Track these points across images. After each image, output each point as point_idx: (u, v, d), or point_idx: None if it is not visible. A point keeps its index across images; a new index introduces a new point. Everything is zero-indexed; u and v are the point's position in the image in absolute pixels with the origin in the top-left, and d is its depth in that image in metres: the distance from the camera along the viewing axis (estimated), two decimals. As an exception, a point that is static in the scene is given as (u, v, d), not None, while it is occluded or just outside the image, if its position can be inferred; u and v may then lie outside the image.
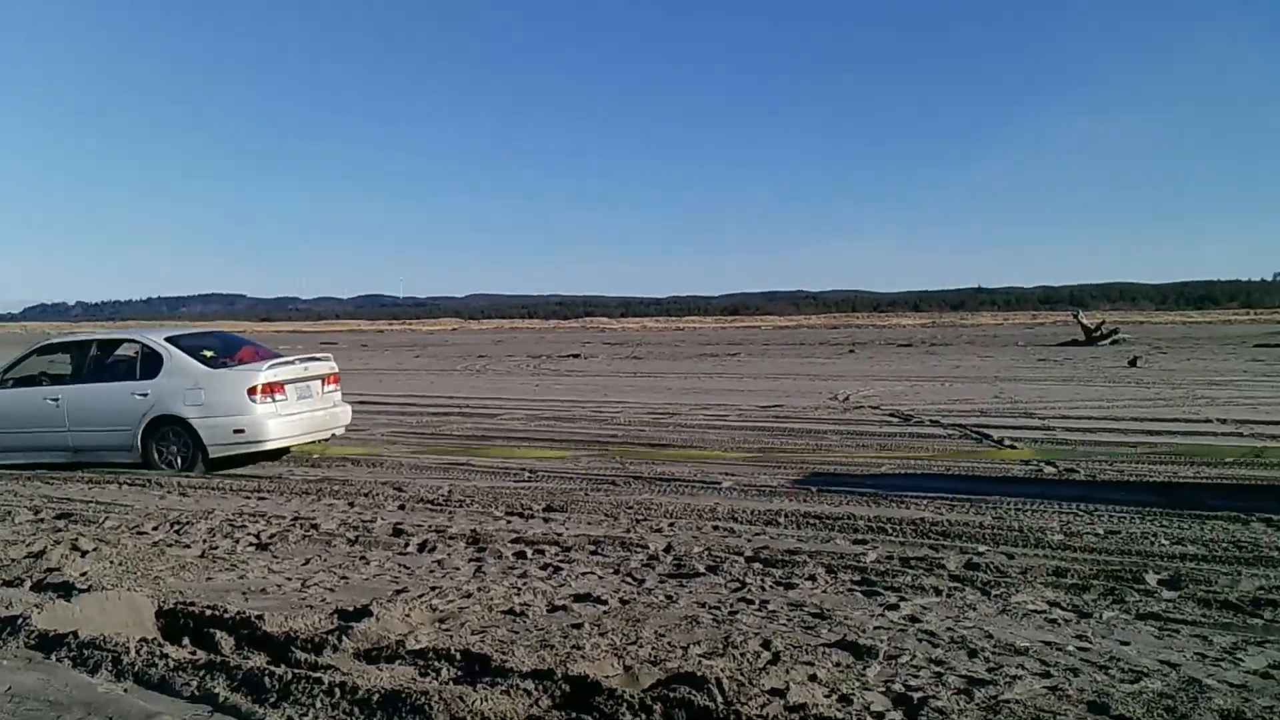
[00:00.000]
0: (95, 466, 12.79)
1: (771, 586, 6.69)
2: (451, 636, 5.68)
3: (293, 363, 12.88)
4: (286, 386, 12.55)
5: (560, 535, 8.36)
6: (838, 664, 5.12)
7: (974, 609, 6.09)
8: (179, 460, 12.37)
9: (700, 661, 5.13)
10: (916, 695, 4.64)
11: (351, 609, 6.13)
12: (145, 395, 12.38)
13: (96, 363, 13.16)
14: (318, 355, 13.60)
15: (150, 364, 12.59)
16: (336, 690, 4.70)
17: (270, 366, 12.49)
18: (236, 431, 12.18)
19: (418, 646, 5.40)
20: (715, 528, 8.55)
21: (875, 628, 5.76)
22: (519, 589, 6.77)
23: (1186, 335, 54.08)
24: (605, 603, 6.36)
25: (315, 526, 8.98)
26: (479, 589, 6.76)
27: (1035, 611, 6.01)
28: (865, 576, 6.85)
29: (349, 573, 7.40)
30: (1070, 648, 5.34)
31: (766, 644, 5.40)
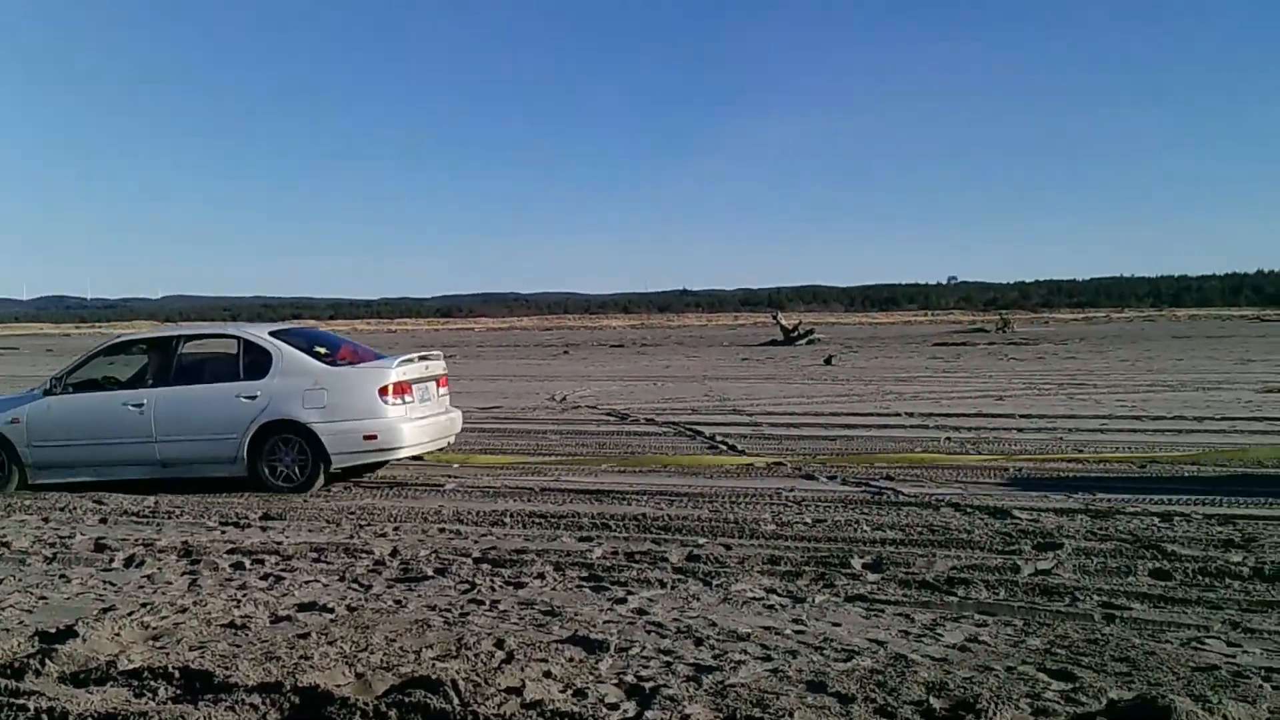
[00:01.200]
0: (181, 485, 11.05)
1: (501, 586, 6.71)
2: (168, 654, 5.39)
3: (414, 360, 11.29)
4: (413, 387, 11.04)
5: (280, 544, 8.09)
6: (571, 659, 5.19)
7: (697, 599, 6.32)
8: (294, 472, 10.64)
9: (434, 664, 5.09)
10: (648, 685, 4.78)
11: (54, 630, 5.73)
12: (254, 398, 10.68)
13: (187, 362, 11.38)
14: (431, 354, 11.89)
15: (256, 362, 10.90)
16: (44, 716, 4.40)
17: (399, 364, 10.93)
18: (367, 438, 10.56)
19: (131, 666, 5.11)
20: (441, 530, 8.49)
21: (605, 622, 5.88)
22: (239, 601, 6.50)
23: (874, 335, 57.82)
24: (332, 610, 6.21)
25: (6, 545, 8.32)
26: (195, 603, 6.45)
27: (754, 599, 6.30)
28: (593, 572, 6.98)
29: (48, 592, 6.89)
30: (788, 631, 5.63)
31: (500, 643, 5.42)
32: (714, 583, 6.66)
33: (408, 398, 10.81)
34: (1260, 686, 4.58)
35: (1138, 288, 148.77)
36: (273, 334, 11.20)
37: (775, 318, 55.01)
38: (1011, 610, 5.94)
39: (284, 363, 10.78)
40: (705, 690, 4.69)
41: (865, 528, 8.12)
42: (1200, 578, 6.46)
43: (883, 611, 6.00)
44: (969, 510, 8.67)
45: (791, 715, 4.21)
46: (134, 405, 10.96)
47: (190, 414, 10.84)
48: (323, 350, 11.25)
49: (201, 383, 11.10)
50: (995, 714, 4.27)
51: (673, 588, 6.57)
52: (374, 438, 10.54)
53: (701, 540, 7.86)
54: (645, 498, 9.68)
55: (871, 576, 6.72)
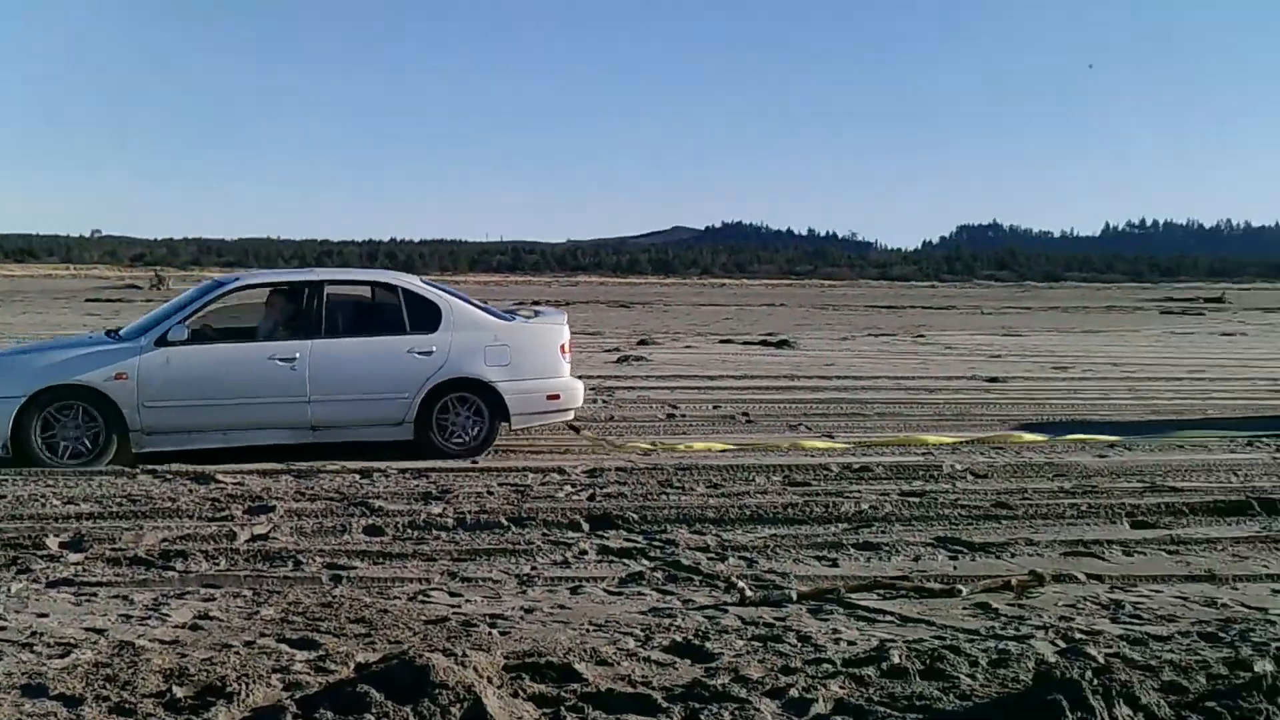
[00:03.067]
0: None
1: None
2: None
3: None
4: None
5: None
6: None
7: None
8: (468, 436, 9.72)
9: None
10: None
11: None
12: (429, 353, 9.61)
13: (335, 311, 9.92)
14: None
15: (422, 314, 9.84)
16: None
17: (564, 318, 10.85)
18: (550, 398, 9.98)
19: None
20: None
21: None
22: None
23: (15, 290, 52.67)
24: None
25: None
26: None
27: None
28: None
29: None
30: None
31: None
32: None
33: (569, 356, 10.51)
34: (490, 633, 4.89)
35: (284, 250, 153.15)
36: (428, 284, 10.60)
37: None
38: (238, 580, 5.72)
39: (454, 315, 9.95)
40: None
41: (55, 502, 7.30)
42: (411, 531, 6.75)
43: (95, 595, 5.43)
44: (169, 477, 8.22)
45: (16, 728, 3.59)
46: (283, 359, 9.44)
47: (353, 371, 9.68)
48: (479, 302, 10.62)
49: (358, 335, 10.02)
50: (247, 694, 4.04)
51: None
52: (557, 397, 10.10)
53: None
54: None
55: (74, 556, 6.05)
